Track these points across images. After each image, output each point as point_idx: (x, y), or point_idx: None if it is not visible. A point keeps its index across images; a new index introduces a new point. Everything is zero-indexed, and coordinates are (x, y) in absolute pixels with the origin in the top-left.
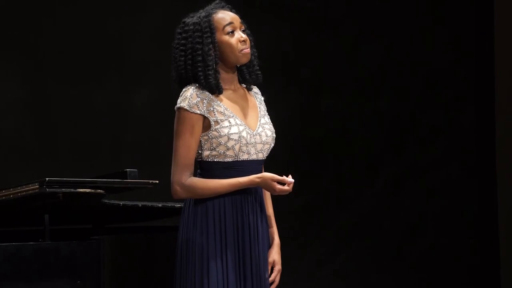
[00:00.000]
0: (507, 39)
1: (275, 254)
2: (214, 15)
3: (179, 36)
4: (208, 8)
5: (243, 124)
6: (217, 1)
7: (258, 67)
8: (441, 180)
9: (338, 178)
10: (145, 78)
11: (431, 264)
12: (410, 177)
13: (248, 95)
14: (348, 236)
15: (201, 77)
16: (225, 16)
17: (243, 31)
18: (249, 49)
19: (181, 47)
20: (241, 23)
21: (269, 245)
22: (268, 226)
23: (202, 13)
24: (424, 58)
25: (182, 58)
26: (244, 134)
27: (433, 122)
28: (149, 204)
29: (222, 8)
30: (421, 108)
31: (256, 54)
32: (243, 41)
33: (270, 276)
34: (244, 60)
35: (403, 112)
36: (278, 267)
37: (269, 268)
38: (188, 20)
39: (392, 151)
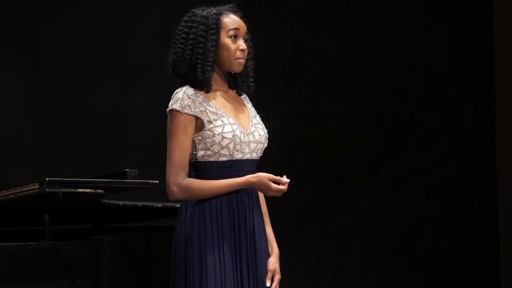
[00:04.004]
0: (507, 39)
1: (275, 263)
2: (224, 16)
3: (184, 24)
4: (220, 7)
5: (236, 123)
6: (231, 5)
7: (252, 79)
8: (441, 180)
9: (338, 178)
10: (145, 78)
11: (431, 264)
12: (410, 177)
13: (238, 98)
14: (348, 236)
15: (199, 70)
16: (234, 21)
17: (245, 41)
18: (244, 60)
19: (183, 35)
20: (246, 33)
21: (266, 240)
22: (263, 222)
23: (213, 10)
24: (424, 58)
25: (182, 46)
26: (237, 132)
27: (433, 122)
28: (149, 204)
29: (234, 13)
30: (421, 108)
31: (253, 66)
32: (242, 50)
33: (271, 285)
34: (236, 69)
35: (403, 112)
36: (278, 276)
37: (270, 276)
38: (197, 11)
39: (392, 151)
